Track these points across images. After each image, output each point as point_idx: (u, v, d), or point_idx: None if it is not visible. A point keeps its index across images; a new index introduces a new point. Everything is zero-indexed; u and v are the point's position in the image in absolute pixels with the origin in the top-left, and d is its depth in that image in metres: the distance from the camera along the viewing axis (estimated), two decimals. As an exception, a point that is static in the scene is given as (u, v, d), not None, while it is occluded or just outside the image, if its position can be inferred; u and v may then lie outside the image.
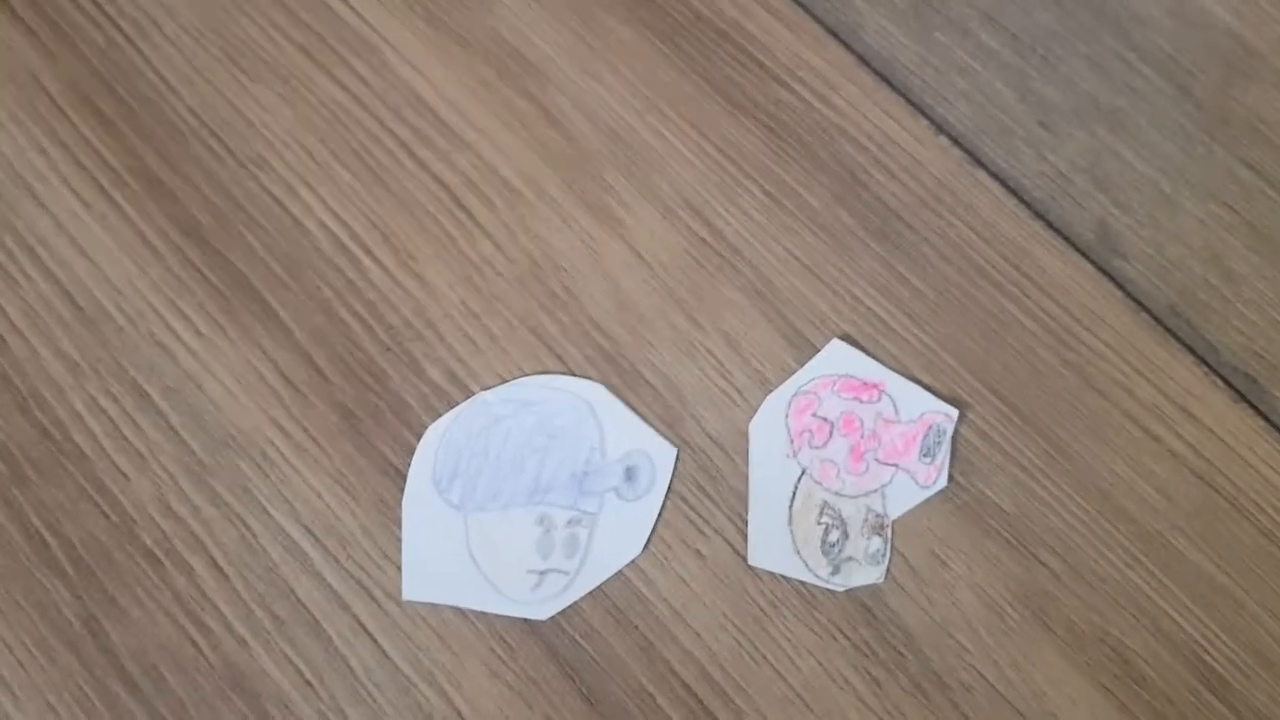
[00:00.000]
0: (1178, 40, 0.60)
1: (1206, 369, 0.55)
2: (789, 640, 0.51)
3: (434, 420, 0.54)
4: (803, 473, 0.53)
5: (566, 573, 0.52)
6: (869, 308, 0.55)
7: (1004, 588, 0.52)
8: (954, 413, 0.53)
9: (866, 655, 0.51)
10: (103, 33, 0.60)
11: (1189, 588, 0.52)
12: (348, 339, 0.55)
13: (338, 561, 0.52)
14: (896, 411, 0.54)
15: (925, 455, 0.53)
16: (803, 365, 0.54)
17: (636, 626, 0.51)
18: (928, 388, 0.54)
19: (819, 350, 0.55)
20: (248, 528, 0.52)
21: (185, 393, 0.54)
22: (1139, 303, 0.56)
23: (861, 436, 0.54)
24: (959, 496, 0.53)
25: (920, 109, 0.59)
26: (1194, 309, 0.56)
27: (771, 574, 0.52)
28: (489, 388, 0.54)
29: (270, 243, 0.56)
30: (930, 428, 0.53)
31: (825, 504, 0.53)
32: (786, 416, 0.54)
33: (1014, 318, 0.55)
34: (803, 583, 0.52)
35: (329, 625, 0.51)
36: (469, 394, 0.54)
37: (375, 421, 0.54)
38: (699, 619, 0.52)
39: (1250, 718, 0.50)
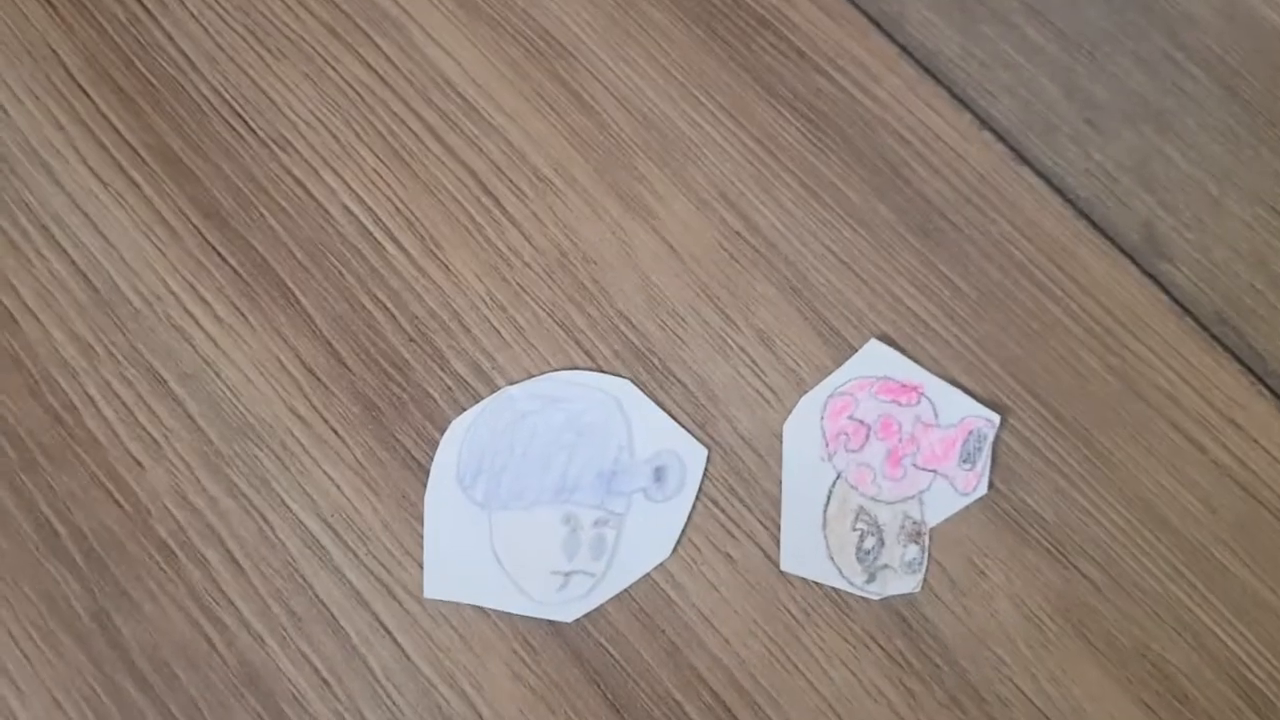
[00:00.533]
0: (1226, 41, 0.59)
1: (1253, 378, 0.53)
2: (821, 649, 0.50)
3: (458, 414, 0.52)
4: (838, 476, 0.52)
5: (593, 574, 0.51)
6: (908, 307, 0.54)
7: (1043, 599, 0.50)
8: (995, 418, 0.52)
9: (901, 666, 0.50)
10: (123, 6, 0.59)
11: (1232, 602, 0.51)
12: (370, 328, 0.53)
13: (357, 557, 0.51)
14: (936, 415, 0.52)
15: (965, 461, 0.52)
16: (839, 365, 0.53)
17: (664, 631, 0.50)
18: (968, 391, 0.53)
19: (856, 350, 0.53)
20: (265, 520, 0.51)
21: (203, 379, 0.53)
22: (1184, 308, 0.54)
23: (899, 440, 0.52)
24: (999, 504, 0.52)
25: (964, 103, 0.57)
26: (1240, 315, 0.54)
27: (804, 580, 0.51)
28: (515, 382, 0.53)
29: (292, 227, 0.55)
30: (971, 433, 0.52)
31: (861, 509, 0.51)
32: (822, 418, 0.52)
33: (1057, 320, 0.54)
34: (836, 590, 0.51)
35: (347, 623, 0.50)
36: (494, 388, 0.53)
37: (398, 414, 0.52)
38: (729, 625, 0.50)
39: (1296, 739, 0.49)
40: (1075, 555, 0.51)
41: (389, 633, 0.50)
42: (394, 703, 0.49)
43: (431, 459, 0.52)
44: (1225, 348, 0.54)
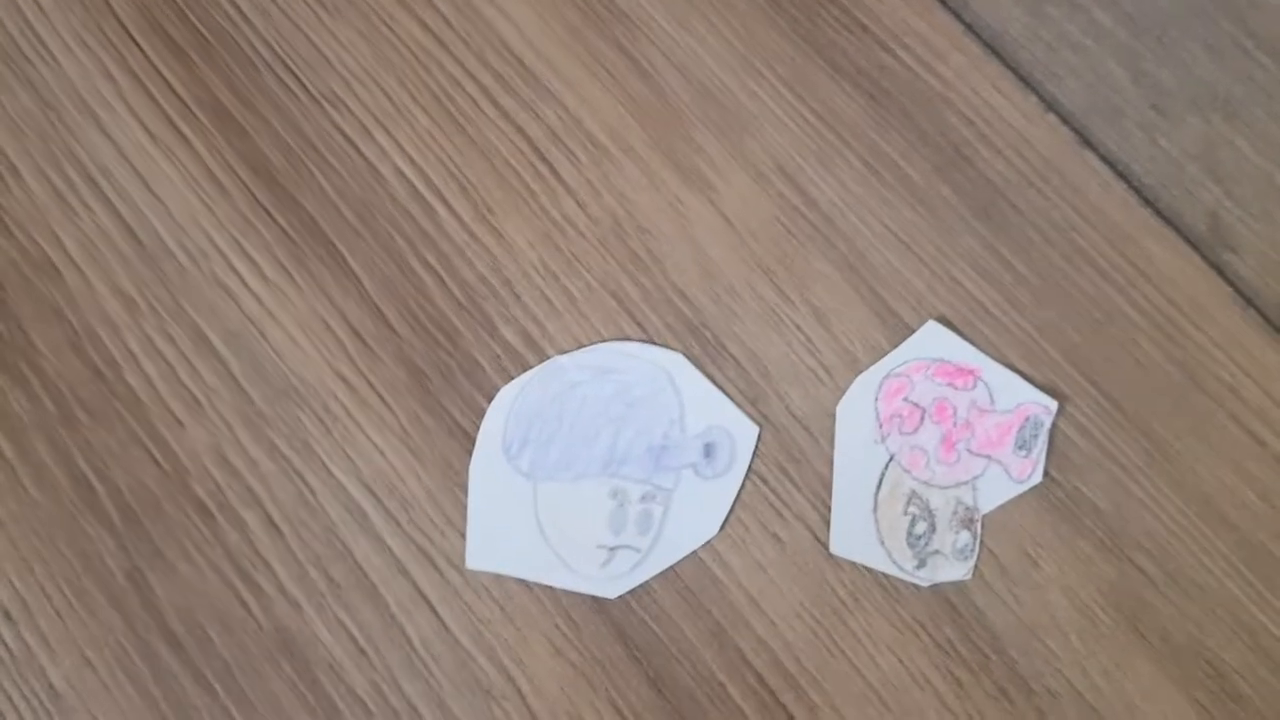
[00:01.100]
0: (1297, 28, 0.58)
1: (1316, 374, 0.52)
2: (868, 634, 0.49)
3: (506, 383, 0.52)
4: (890, 459, 0.51)
5: (638, 550, 0.50)
6: (967, 289, 0.53)
7: (1096, 591, 0.49)
8: (1053, 405, 0.51)
9: (949, 655, 0.49)
10: (177, -44, 0.58)
11: (1290, 602, 0.50)
12: (420, 292, 0.53)
13: (399, 525, 0.50)
14: (992, 400, 0.51)
15: (1020, 448, 0.51)
16: (895, 346, 0.52)
17: (709, 611, 0.49)
18: (1026, 377, 0.52)
19: (913, 331, 0.52)
20: (306, 484, 0.50)
21: (247, 339, 0.52)
22: (1248, 300, 0.53)
23: (954, 424, 0.51)
24: (1053, 493, 0.50)
25: (1029, 84, 0.56)
26: (1305, 310, 0.53)
27: (853, 564, 0.50)
28: (565, 351, 0.52)
29: (342, 186, 0.54)
30: (1027, 419, 0.51)
31: (913, 493, 0.50)
32: (876, 399, 0.51)
33: (1118, 308, 0.53)
34: (886, 575, 0.50)
35: (387, 591, 0.49)
36: (544, 357, 0.52)
37: (445, 380, 0.52)
38: (775, 607, 0.49)
39: (1353, 743, 0.48)
40: (1130, 548, 0.50)
41: (429, 603, 0.49)
42: (431, 674, 0.48)
43: (478, 427, 0.51)
44: (1289, 342, 0.53)
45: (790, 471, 0.51)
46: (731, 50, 0.56)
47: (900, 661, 0.49)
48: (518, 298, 0.53)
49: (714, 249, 0.53)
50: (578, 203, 0.54)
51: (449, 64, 0.56)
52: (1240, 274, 0.54)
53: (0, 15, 0.56)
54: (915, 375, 0.52)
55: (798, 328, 0.52)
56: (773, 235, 0.54)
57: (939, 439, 0.51)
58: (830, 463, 0.51)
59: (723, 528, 0.50)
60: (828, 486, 0.51)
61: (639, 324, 0.52)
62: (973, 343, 0.52)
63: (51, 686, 0.48)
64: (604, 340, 0.52)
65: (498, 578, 0.49)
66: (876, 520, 0.50)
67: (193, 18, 0.57)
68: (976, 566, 0.50)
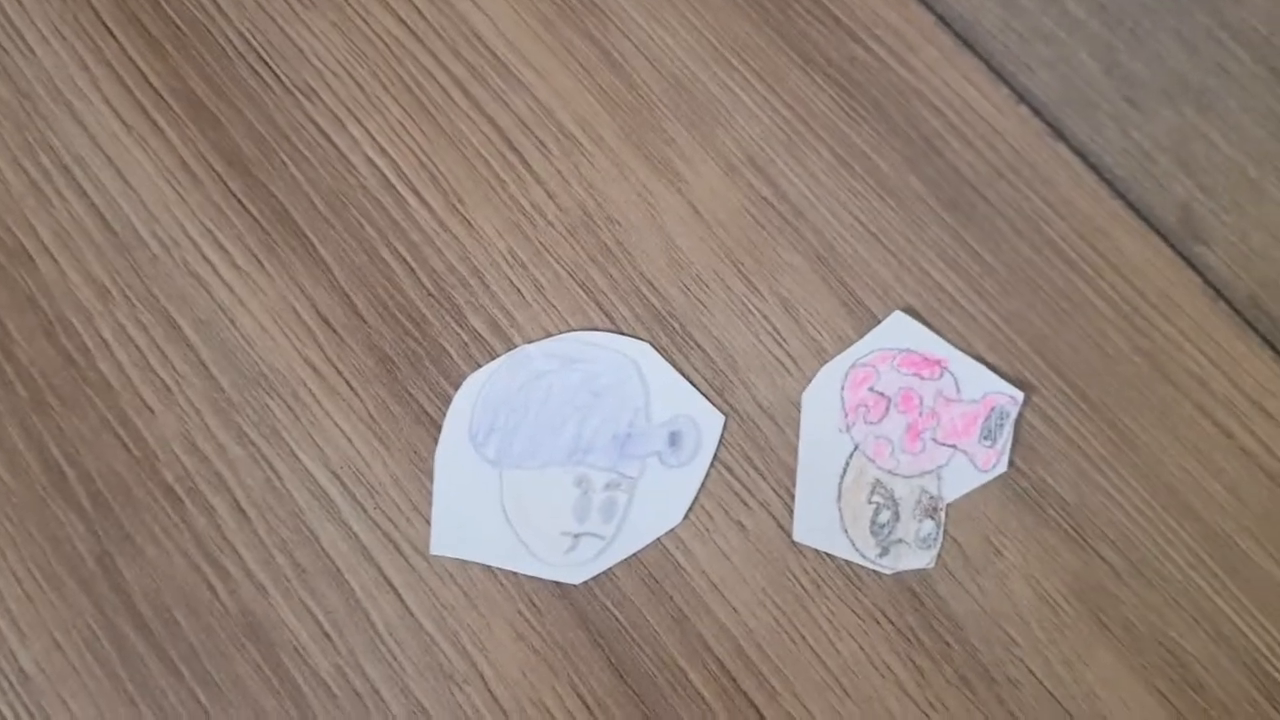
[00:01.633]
0: (1273, 21, 0.57)
1: (1285, 365, 0.52)
2: (830, 622, 0.49)
3: (473, 371, 0.52)
4: (855, 448, 0.51)
5: (602, 537, 0.50)
6: (935, 280, 0.53)
7: (1060, 581, 0.49)
8: (1019, 395, 0.51)
9: (911, 642, 0.49)
10: (153, -52, 0.58)
11: (1254, 593, 0.50)
12: (389, 281, 0.53)
13: (365, 511, 0.50)
14: (958, 390, 0.51)
15: (986, 438, 0.51)
16: (862, 336, 0.52)
17: (671, 598, 0.49)
18: (992, 367, 0.52)
19: (880, 321, 0.52)
20: (274, 470, 0.51)
21: (217, 326, 0.52)
22: (1218, 291, 0.53)
23: (920, 414, 0.51)
24: (1018, 483, 0.51)
25: (1001, 76, 0.56)
26: (1275, 301, 0.53)
27: (816, 552, 0.50)
28: (532, 341, 0.52)
29: (314, 176, 0.54)
30: (993, 409, 0.51)
31: (877, 482, 0.50)
32: (842, 389, 0.52)
33: (1086, 299, 0.53)
34: (848, 563, 0.50)
35: (352, 576, 0.50)
36: (511, 346, 0.52)
37: (412, 368, 0.52)
38: (737, 594, 0.49)
39: (1313, 734, 0.48)
40: (1095, 538, 0.50)
41: (393, 588, 0.50)
42: (395, 659, 0.49)
43: (444, 415, 0.51)
44: (1258, 333, 0.53)
45: (755, 460, 0.51)
46: (703, 41, 0.57)
47: (861, 649, 0.49)
48: (486, 287, 0.53)
49: (683, 239, 0.54)
50: (547, 193, 0.54)
51: (421, 55, 0.56)
52: (1210, 265, 0.54)
53: (-20, 7, 0.57)
54: (881, 365, 0.52)
55: (765, 318, 0.53)
56: (741, 226, 0.54)
57: (904, 428, 0.51)
58: (795, 452, 0.51)
59: (687, 516, 0.50)
60: (792, 475, 0.51)
61: (607, 314, 0.53)
62: (940, 333, 0.52)
63: (21, 669, 0.49)
64: (572, 330, 0.52)
65: (462, 564, 0.50)
66: (840, 509, 0.50)
67: (168, 9, 0.57)
68: (940, 555, 0.50)
